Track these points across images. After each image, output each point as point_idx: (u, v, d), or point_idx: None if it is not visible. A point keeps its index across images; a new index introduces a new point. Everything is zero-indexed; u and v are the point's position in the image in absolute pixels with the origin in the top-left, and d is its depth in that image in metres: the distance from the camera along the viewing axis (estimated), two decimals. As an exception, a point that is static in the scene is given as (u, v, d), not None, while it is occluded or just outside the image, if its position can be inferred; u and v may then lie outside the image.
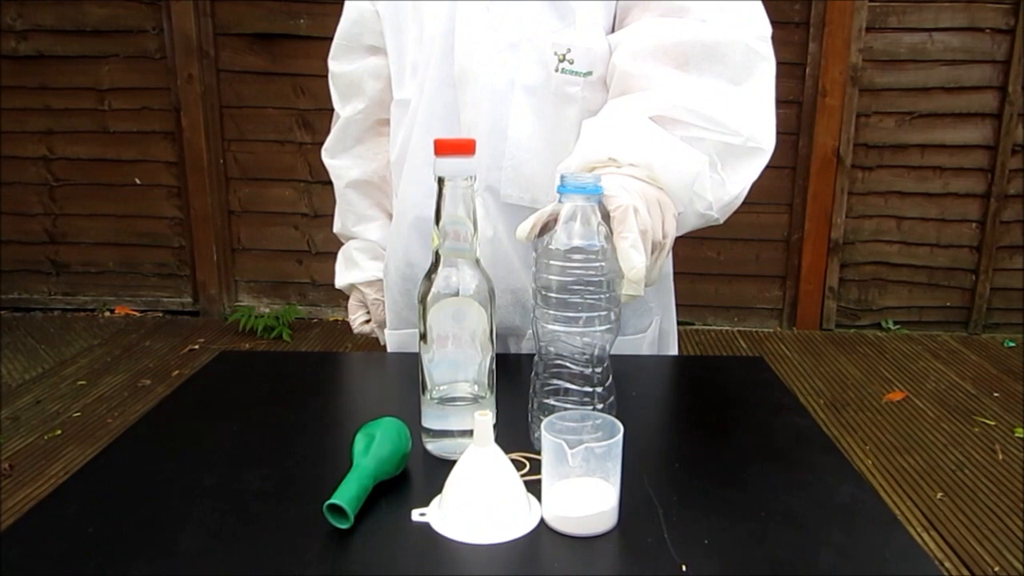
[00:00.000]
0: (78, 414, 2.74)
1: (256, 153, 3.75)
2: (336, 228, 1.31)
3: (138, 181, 3.85)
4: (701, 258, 3.77)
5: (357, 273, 1.28)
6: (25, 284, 4.02)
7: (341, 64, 1.19)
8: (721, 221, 0.86)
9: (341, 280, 1.31)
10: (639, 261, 0.69)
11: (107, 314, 3.95)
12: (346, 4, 1.18)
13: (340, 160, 1.25)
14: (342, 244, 1.32)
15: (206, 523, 0.65)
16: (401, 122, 1.06)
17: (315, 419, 0.87)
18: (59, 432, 2.58)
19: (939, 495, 2.29)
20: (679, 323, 1.20)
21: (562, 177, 0.71)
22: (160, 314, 3.96)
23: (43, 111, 3.78)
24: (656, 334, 1.12)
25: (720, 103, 0.83)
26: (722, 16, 0.85)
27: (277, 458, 0.77)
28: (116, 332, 3.67)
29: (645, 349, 1.09)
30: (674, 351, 1.18)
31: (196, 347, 3.47)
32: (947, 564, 1.96)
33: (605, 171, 0.77)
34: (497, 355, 1.03)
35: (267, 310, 3.84)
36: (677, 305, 1.20)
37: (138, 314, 3.94)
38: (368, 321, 1.32)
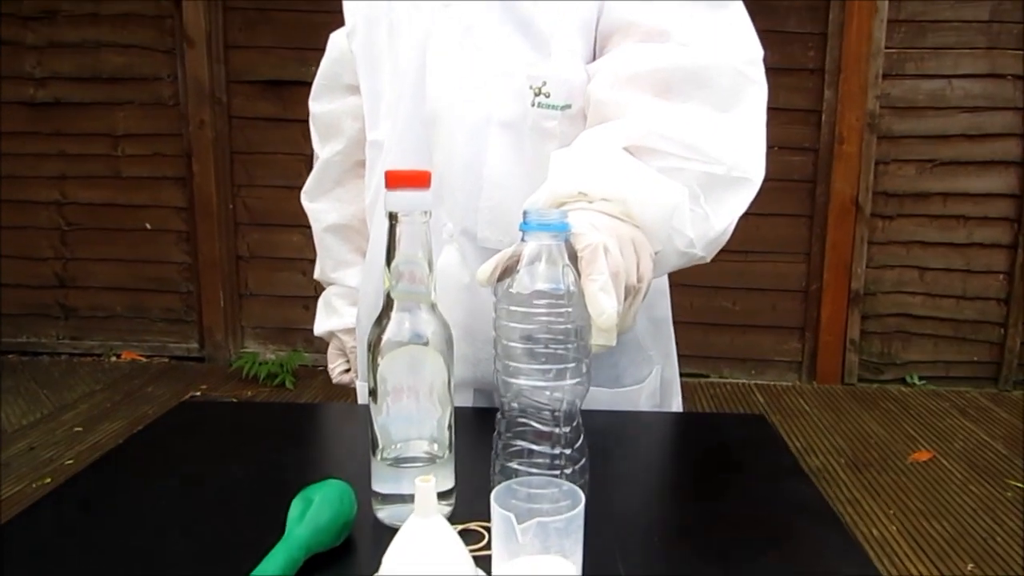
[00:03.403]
0: (70, 461, 2.67)
1: (265, 198, 3.74)
2: (316, 274, 1.26)
3: (148, 226, 3.85)
4: (715, 308, 3.67)
5: (336, 320, 1.22)
6: (34, 328, 4.01)
7: (321, 104, 1.16)
8: (708, 259, 0.78)
9: (320, 327, 1.25)
10: (610, 306, 0.61)
11: (113, 359, 3.91)
12: (329, 42, 1.15)
13: (319, 203, 1.21)
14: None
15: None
16: (375, 164, 1.00)
17: (263, 478, 0.79)
18: (48, 480, 2.51)
19: (969, 566, 2.14)
20: (693, 375, 1.12)
21: (525, 213, 0.64)
22: (166, 360, 3.91)
23: (58, 156, 3.81)
24: (656, 384, 1.03)
25: (701, 130, 0.76)
26: (707, 39, 0.78)
27: (210, 521, 0.69)
28: (120, 377, 3.63)
29: (644, 400, 1.01)
30: (677, 402, 1.09)
31: (198, 394, 3.41)
32: (979, 641, 1.81)
33: (574, 207, 0.70)
34: (471, 409, 0.96)
35: (273, 356, 3.79)
36: (688, 356, 1.12)
37: (144, 359, 3.91)
38: (348, 371, 1.26)
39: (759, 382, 3.73)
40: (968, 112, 3.47)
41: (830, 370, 3.71)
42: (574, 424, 0.67)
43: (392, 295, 0.67)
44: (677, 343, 1.09)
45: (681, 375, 1.11)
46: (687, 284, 3.40)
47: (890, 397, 3.52)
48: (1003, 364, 3.63)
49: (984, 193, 3.53)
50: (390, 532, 0.64)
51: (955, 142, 3.50)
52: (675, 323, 1.09)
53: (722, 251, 0.82)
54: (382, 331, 0.67)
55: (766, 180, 0.81)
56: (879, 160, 3.54)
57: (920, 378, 3.70)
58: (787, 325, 3.74)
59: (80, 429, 2.98)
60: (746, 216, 0.79)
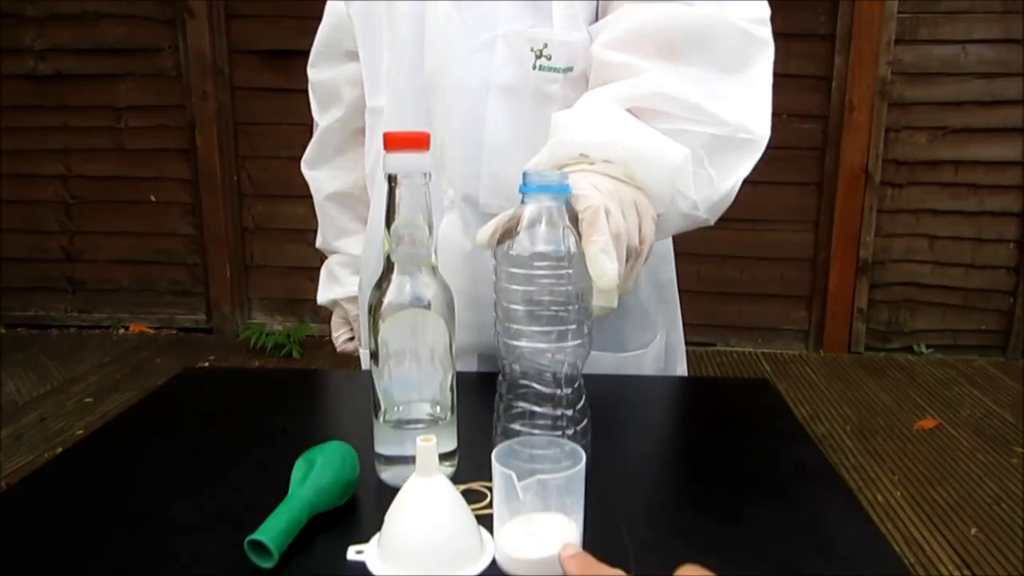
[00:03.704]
0: (80, 432, 2.70)
1: (270, 170, 3.73)
2: (318, 243, 1.26)
3: (153, 199, 3.85)
4: (723, 277, 3.66)
5: (339, 289, 1.23)
6: (42, 302, 4.03)
7: (319, 71, 1.15)
8: (711, 222, 0.78)
9: (323, 296, 1.25)
10: (610, 268, 0.61)
11: (121, 331, 3.94)
12: (327, 8, 1.13)
13: (319, 172, 1.20)
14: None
15: (116, 560, 0.58)
16: (375, 131, 1.00)
17: (265, 443, 0.79)
18: (59, 450, 2.54)
19: (973, 531, 2.15)
20: (700, 344, 1.12)
21: (525, 175, 0.64)
22: (174, 332, 3.93)
23: (61, 130, 3.80)
24: (661, 349, 1.03)
25: (706, 91, 0.75)
26: None
27: (212, 486, 0.69)
28: (128, 349, 3.65)
29: (648, 365, 1.00)
30: (682, 368, 1.09)
31: (206, 365, 3.43)
32: (982, 605, 1.82)
33: (576, 168, 0.69)
34: (475, 374, 0.96)
35: (280, 328, 3.80)
36: (695, 325, 1.11)
37: (152, 331, 3.93)
38: (352, 339, 1.26)
39: (766, 351, 3.73)
40: (982, 78, 3.41)
41: (837, 339, 3.70)
42: (575, 386, 0.67)
43: (392, 258, 0.66)
44: (684, 311, 1.09)
45: (688, 344, 1.11)
46: (695, 253, 3.38)
47: (897, 366, 3.52)
48: (1011, 333, 3.61)
49: (996, 161, 3.48)
50: (393, 492, 0.65)
51: (968, 109, 3.45)
52: (682, 292, 1.08)
53: (730, 220, 0.81)
54: (383, 294, 0.66)
55: (775, 148, 0.80)
56: (890, 128, 3.50)
57: (928, 347, 3.69)
58: (795, 294, 3.72)
59: (90, 400, 3.00)
60: (754, 185, 0.78)
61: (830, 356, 3.66)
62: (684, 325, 1.10)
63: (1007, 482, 2.42)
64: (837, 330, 3.70)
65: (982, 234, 3.56)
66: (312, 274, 3.93)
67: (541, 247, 0.62)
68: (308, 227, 3.61)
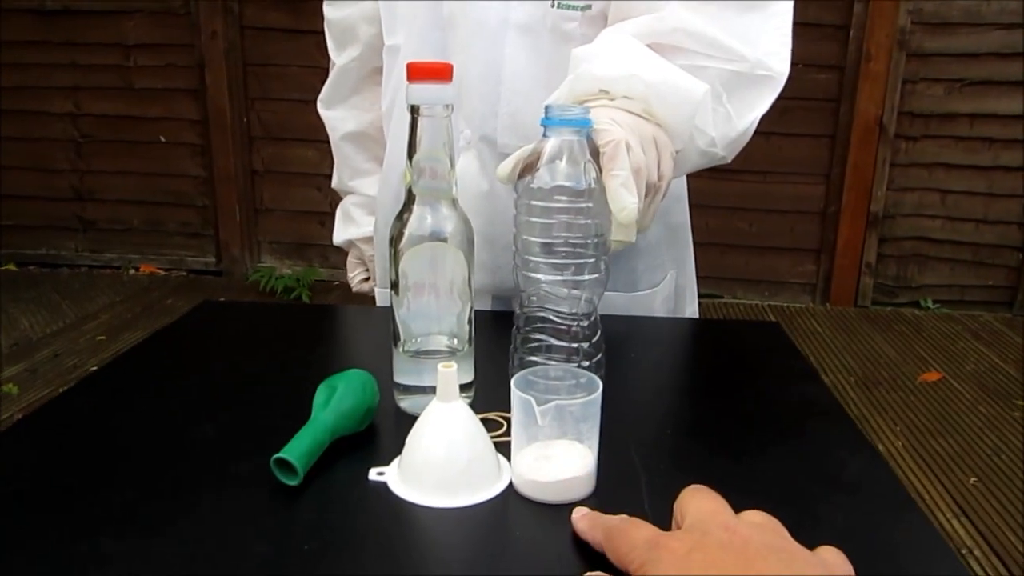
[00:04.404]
0: (94, 368, 2.74)
1: (280, 112, 3.71)
2: (334, 183, 1.26)
3: (163, 139, 3.84)
4: (732, 229, 3.65)
5: (354, 229, 1.23)
6: (53, 240, 4.05)
7: (335, 9, 1.13)
8: (728, 159, 0.78)
9: (339, 236, 1.25)
10: (630, 202, 0.61)
11: (132, 272, 3.96)
12: None
13: (335, 111, 1.20)
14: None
15: (146, 475, 0.60)
16: (392, 70, 0.99)
17: (286, 371, 0.81)
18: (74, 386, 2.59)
19: (972, 480, 2.19)
20: (706, 296, 1.12)
21: (547, 108, 0.64)
22: (184, 273, 3.96)
23: (69, 67, 3.77)
24: (671, 289, 1.04)
25: (725, 27, 0.74)
26: None
27: (236, 410, 0.71)
28: (139, 290, 3.69)
29: (658, 305, 1.02)
30: (691, 309, 1.10)
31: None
32: (976, 552, 1.87)
33: (596, 104, 0.69)
34: (489, 312, 0.98)
35: (289, 271, 3.82)
36: (702, 277, 1.12)
37: (162, 272, 3.95)
38: (367, 279, 1.27)
39: (772, 303, 3.74)
40: (1003, 29, 3.35)
41: (844, 293, 3.71)
42: (591, 320, 0.68)
43: (414, 191, 0.67)
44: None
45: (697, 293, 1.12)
46: (704, 204, 3.36)
47: (903, 320, 3.53)
48: (1019, 289, 3.61)
49: (1013, 115, 3.44)
50: (410, 420, 0.67)
51: (986, 61, 3.39)
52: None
53: (740, 171, 0.81)
54: (403, 226, 0.67)
55: (788, 99, 0.79)
56: (907, 79, 3.44)
57: (935, 302, 3.69)
58: (803, 247, 3.72)
59: (103, 338, 3.05)
60: (766, 136, 0.78)
61: (836, 309, 3.67)
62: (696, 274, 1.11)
63: (1008, 434, 2.45)
64: (844, 284, 3.70)
65: (994, 189, 3.54)
66: (321, 218, 3.95)
67: (562, 181, 0.62)
68: (318, 171, 3.64)
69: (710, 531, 0.42)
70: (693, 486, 0.47)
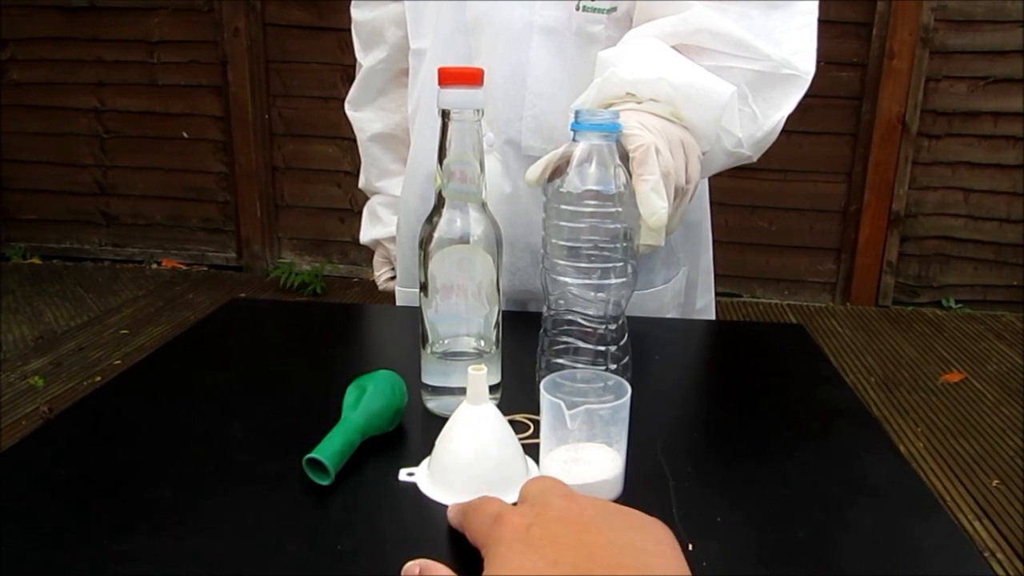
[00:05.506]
0: (118, 362, 2.78)
1: (301, 109, 3.73)
2: (361, 183, 1.27)
3: (185, 135, 3.87)
4: (752, 227, 3.63)
5: (381, 229, 1.24)
6: (77, 234, 4.10)
7: (363, 11, 1.14)
8: (754, 159, 0.78)
9: (365, 236, 1.27)
10: (661, 207, 0.62)
11: (154, 266, 4.01)
12: None
13: (363, 112, 1.21)
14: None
15: (182, 472, 0.61)
16: (418, 73, 1.00)
17: (314, 371, 0.82)
18: (98, 379, 2.63)
19: (995, 482, 2.17)
20: (726, 295, 1.12)
21: (576, 113, 0.64)
22: (205, 268, 4.00)
23: (94, 63, 3.81)
24: (682, 285, 1.04)
25: (750, 26, 0.74)
26: None
27: (267, 409, 0.72)
28: (161, 284, 3.73)
29: (669, 300, 1.01)
30: (704, 301, 1.10)
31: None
32: (999, 555, 1.85)
33: (623, 107, 0.69)
34: (512, 312, 0.98)
35: (308, 267, 3.85)
36: (721, 275, 1.12)
37: (184, 267, 3.99)
38: (393, 278, 1.28)
39: (792, 302, 3.72)
40: (1028, 26, 3.31)
41: (865, 292, 3.68)
42: (619, 323, 0.68)
43: (444, 194, 0.68)
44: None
45: (715, 294, 1.11)
46: (724, 203, 3.35)
47: (924, 320, 3.50)
48: (1043, 289, 3.57)
49: (1038, 113, 3.40)
50: (440, 421, 0.68)
51: (1011, 58, 3.35)
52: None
53: (761, 170, 0.81)
54: (433, 229, 0.68)
55: (810, 97, 0.79)
56: (930, 77, 3.41)
57: (957, 302, 3.66)
58: (824, 246, 3.69)
59: (126, 332, 3.08)
60: (788, 134, 0.78)
61: (857, 309, 3.64)
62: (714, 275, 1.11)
63: (1030, 437, 2.43)
64: (865, 283, 3.67)
65: (1019, 188, 3.50)
66: (341, 215, 3.98)
67: (592, 185, 0.63)
68: (338, 168, 3.66)
69: (550, 501, 0.42)
70: (535, 479, 0.47)
